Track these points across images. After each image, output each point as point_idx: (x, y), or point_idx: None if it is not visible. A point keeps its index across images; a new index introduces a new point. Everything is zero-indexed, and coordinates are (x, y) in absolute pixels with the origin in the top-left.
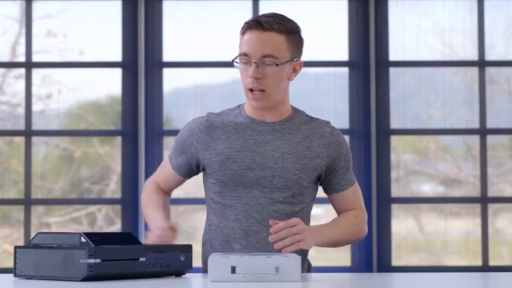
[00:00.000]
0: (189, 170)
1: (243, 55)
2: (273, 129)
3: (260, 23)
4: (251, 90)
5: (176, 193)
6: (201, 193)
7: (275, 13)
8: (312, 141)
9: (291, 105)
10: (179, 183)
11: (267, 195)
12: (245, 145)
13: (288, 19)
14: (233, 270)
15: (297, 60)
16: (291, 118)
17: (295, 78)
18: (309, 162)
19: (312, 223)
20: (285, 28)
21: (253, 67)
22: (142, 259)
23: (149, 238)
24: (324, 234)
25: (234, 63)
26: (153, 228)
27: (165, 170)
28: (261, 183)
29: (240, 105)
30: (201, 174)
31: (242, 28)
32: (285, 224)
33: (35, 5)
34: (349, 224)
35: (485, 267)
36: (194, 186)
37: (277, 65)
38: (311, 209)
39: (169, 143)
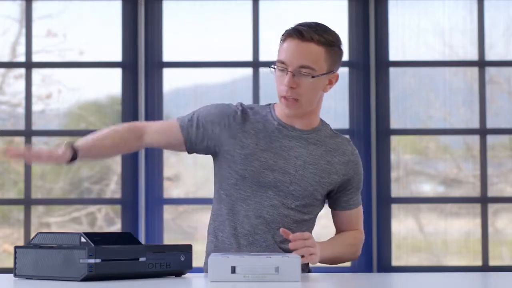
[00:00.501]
0: (192, 142)
1: (281, 62)
2: (300, 136)
3: (301, 33)
4: (285, 97)
5: (176, 193)
6: (201, 193)
7: (317, 23)
8: (334, 157)
9: (320, 118)
10: (169, 143)
11: (280, 199)
12: (270, 146)
13: (330, 30)
14: (233, 270)
15: (333, 72)
16: (318, 130)
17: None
18: (327, 177)
19: None
20: (325, 40)
21: (288, 76)
22: (142, 259)
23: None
24: (328, 250)
25: (271, 69)
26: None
27: (165, 123)
28: (278, 187)
29: (270, 104)
30: (210, 163)
31: (282, 35)
32: (300, 236)
33: (35, 5)
34: (349, 243)
35: (485, 267)
36: (194, 186)
37: (313, 77)
38: (316, 219)
39: None
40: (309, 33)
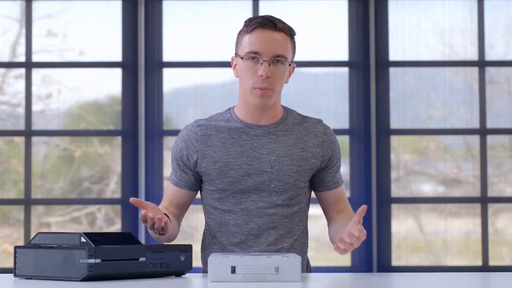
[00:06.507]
0: (193, 185)
1: (253, 53)
2: (267, 132)
3: (274, 23)
4: (260, 88)
5: None
6: None
7: (273, 16)
8: (306, 142)
9: (282, 105)
10: (188, 198)
11: (265, 199)
12: (241, 150)
13: (284, 21)
14: (233, 270)
15: (293, 63)
16: (284, 119)
17: (291, 79)
18: (305, 164)
19: (311, 223)
20: (290, 31)
21: (265, 66)
22: (142, 259)
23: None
24: None
25: (240, 60)
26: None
27: (168, 191)
28: (259, 188)
29: (229, 109)
30: None
31: (249, 26)
32: (359, 238)
33: (35, 5)
34: None
35: (485, 267)
36: None
37: (290, 64)
38: (308, 208)
39: (169, 143)
40: (279, 23)
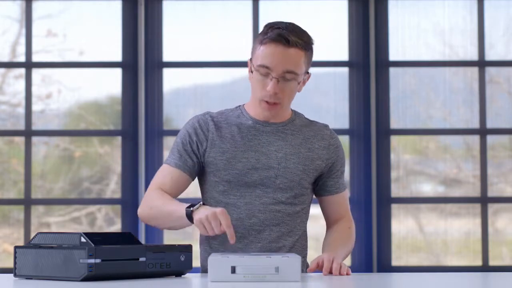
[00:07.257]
0: (194, 172)
1: (264, 67)
2: (276, 130)
3: (286, 39)
4: (267, 101)
5: None
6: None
7: (292, 24)
8: (313, 143)
9: (291, 108)
10: (184, 185)
11: (270, 195)
12: (249, 145)
13: (305, 31)
14: (233, 270)
15: (308, 73)
16: (292, 120)
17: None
18: (311, 164)
19: (311, 223)
20: (305, 44)
21: (273, 82)
22: (142, 259)
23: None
24: (342, 254)
25: (254, 71)
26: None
27: (169, 175)
28: (265, 183)
29: (239, 106)
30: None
31: (263, 37)
32: (327, 268)
33: (35, 5)
34: (349, 237)
35: (485, 267)
36: (194, 186)
37: (298, 83)
38: (309, 211)
39: (169, 143)
40: (293, 38)
